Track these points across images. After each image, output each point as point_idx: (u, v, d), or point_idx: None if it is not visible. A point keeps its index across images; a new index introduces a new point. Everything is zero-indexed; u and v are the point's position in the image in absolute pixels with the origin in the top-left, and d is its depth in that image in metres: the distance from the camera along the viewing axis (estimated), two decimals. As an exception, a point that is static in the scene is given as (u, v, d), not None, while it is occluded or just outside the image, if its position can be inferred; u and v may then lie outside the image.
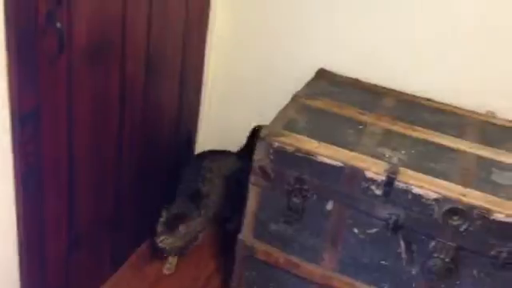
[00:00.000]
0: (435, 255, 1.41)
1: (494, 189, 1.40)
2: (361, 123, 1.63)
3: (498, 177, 1.46)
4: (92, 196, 1.65)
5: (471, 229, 1.35)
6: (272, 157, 1.51)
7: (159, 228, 1.78)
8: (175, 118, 2.03)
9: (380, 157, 1.47)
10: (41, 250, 1.51)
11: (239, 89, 2.16)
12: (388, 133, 1.60)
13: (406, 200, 1.40)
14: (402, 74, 1.87)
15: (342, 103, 1.73)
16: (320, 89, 1.81)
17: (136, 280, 1.92)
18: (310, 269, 1.59)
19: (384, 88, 1.88)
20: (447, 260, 1.40)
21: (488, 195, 1.37)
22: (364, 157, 1.46)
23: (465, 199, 1.35)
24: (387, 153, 1.49)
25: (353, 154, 1.47)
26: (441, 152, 1.55)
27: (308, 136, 1.53)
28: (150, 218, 1.86)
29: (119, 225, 1.85)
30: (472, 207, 1.34)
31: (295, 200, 1.52)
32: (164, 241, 1.78)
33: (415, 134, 1.61)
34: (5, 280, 1.44)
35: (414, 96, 1.85)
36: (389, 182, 1.40)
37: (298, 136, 1.53)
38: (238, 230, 1.66)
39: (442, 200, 1.36)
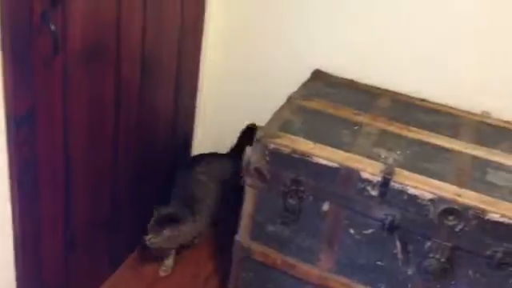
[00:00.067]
0: (431, 255, 1.41)
1: (489, 189, 1.40)
2: (356, 124, 1.64)
3: (493, 177, 1.46)
4: (88, 197, 1.65)
5: (466, 229, 1.36)
6: (268, 158, 1.51)
7: (149, 227, 1.79)
8: (171, 121, 2.03)
9: (375, 157, 1.47)
10: (37, 251, 1.50)
11: (235, 92, 2.16)
12: (383, 133, 1.61)
13: (401, 200, 1.40)
14: (397, 75, 1.88)
15: (338, 104, 1.73)
16: (315, 90, 1.82)
17: (135, 280, 1.92)
18: (306, 269, 1.59)
19: (379, 89, 1.88)
20: (443, 260, 1.40)
21: (483, 195, 1.37)
22: (359, 157, 1.46)
23: (460, 199, 1.35)
24: (383, 153, 1.50)
25: (348, 154, 1.47)
26: (436, 152, 1.55)
27: (304, 137, 1.53)
28: (146, 220, 1.85)
29: (116, 226, 1.85)
30: (467, 207, 1.34)
31: (291, 201, 1.52)
32: (151, 239, 1.78)
33: (410, 135, 1.61)
34: (1, 280, 1.43)
35: (408, 96, 1.85)
36: (384, 183, 1.40)
37: (294, 137, 1.53)
38: (233, 231, 1.65)
39: (437, 200, 1.37)
